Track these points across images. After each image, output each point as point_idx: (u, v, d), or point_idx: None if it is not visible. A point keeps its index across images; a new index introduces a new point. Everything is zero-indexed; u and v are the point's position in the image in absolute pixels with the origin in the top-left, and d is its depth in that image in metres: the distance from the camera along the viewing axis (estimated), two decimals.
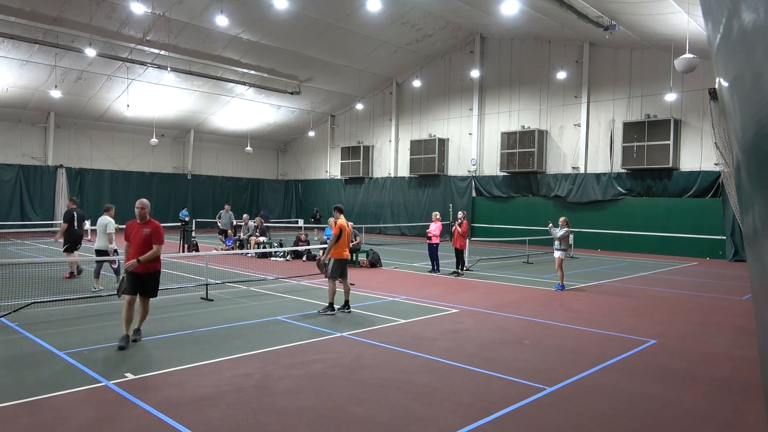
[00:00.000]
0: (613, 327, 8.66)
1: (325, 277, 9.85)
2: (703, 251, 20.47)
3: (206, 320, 8.64)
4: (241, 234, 20.23)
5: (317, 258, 10.23)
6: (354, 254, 15.74)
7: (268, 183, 37.52)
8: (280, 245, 19.31)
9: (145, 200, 7.52)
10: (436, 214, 15.29)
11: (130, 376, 5.79)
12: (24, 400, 5.05)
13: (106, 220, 11.35)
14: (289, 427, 4.62)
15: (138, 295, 7.27)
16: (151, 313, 7.64)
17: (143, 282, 7.27)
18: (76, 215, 12.84)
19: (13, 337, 7.37)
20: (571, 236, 18.69)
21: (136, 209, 7.43)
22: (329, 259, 9.63)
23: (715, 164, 19.65)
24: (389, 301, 10.58)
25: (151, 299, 7.53)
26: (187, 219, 25.84)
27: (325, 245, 16.16)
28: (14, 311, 8.58)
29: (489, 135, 26.92)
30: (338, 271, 9.50)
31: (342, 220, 9.68)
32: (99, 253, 11.20)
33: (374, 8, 19.48)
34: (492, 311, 9.74)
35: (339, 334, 7.82)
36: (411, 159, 29.26)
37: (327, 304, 9.33)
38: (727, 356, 7.11)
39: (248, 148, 31.72)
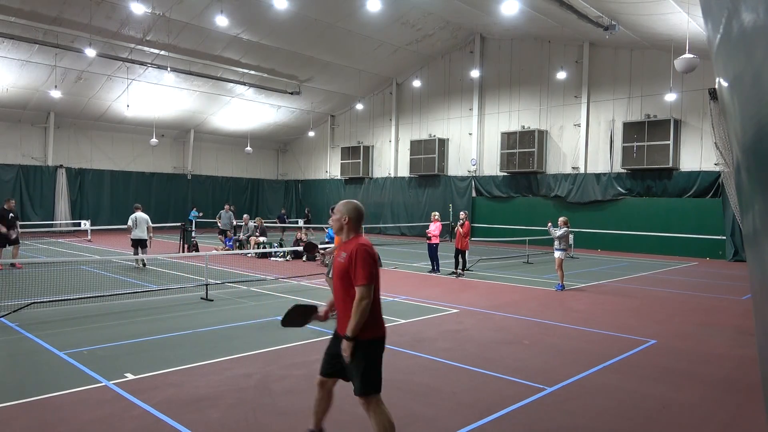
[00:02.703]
0: (613, 327, 8.66)
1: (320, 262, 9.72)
2: (703, 251, 20.46)
3: (206, 320, 8.64)
4: (241, 234, 20.22)
5: (320, 253, 9.92)
6: None
7: (268, 183, 37.51)
8: (280, 245, 19.31)
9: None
10: (435, 215, 15.29)
11: (130, 376, 5.79)
12: (24, 400, 5.05)
13: (146, 216, 14.88)
14: (289, 427, 4.62)
15: (335, 378, 4.10)
16: (151, 313, 7.59)
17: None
18: None
19: (13, 337, 7.37)
20: (571, 236, 18.69)
21: (357, 213, 4.22)
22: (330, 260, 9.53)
23: (715, 164, 19.64)
24: (389, 301, 10.58)
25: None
26: (198, 217, 26.17)
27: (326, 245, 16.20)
28: (14, 311, 8.58)
29: (489, 135, 26.92)
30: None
31: None
32: (140, 241, 14.64)
33: (374, 8, 19.47)
34: (492, 311, 9.74)
35: None
36: (411, 159, 29.25)
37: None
38: (727, 356, 7.10)
39: (248, 148, 31.72)
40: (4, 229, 14.09)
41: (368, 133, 32.49)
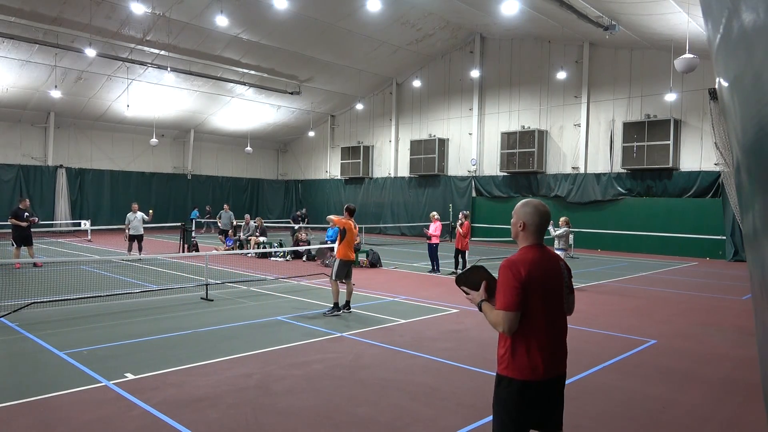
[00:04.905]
0: (613, 327, 8.66)
1: (329, 276, 9.79)
2: (703, 251, 20.46)
3: (206, 320, 8.64)
4: (242, 234, 20.24)
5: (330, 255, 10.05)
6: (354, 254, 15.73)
7: (268, 183, 37.51)
8: (280, 245, 19.30)
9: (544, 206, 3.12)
10: (434, 215, 15.32)
11: (130, 376, 5.79)
12: (24, 400, 5.05)
13: (140, 214, 16.58)
14: (289, 427, 4.62)
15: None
16: (151, 313, 7.57)
17: (559, 399, 3.08)
18: None
19: (13, 337, 7.37)
20: (571, 236, 18.68)
21: (539, 218, 3.03)
22: (334, 260, 9.56)
23: (715, 164, 19.64)
24: (389, 301, 10.58)
25: None
26: (198, 219, 26.05)
27: (324, 245, 16.23)
28: (14, 311, 8.58)
29: (489, 135, 26.92)
30: (344, 271, 9.38)
31: (351, 220, 9.61)
32: (138, 236, 16.44)
33: (374, 8, 19.47)
34: None
35: (339, 334, 7.82)
36: (411, 159, 29.25)
37: (332, 305, 9.26)
38: (727, 356, 7.10)
39: (248, 148, 31.72)
40: (24, 224, 14.43)
41: (368, 133, 32.48)
